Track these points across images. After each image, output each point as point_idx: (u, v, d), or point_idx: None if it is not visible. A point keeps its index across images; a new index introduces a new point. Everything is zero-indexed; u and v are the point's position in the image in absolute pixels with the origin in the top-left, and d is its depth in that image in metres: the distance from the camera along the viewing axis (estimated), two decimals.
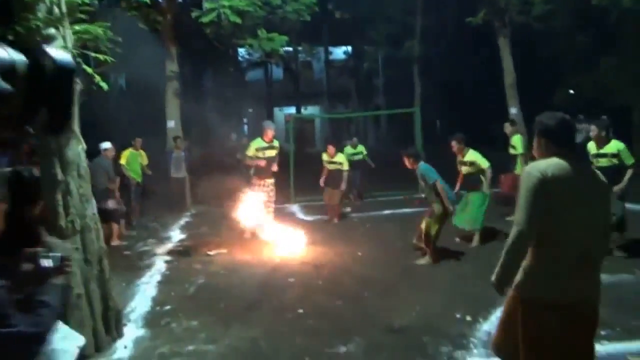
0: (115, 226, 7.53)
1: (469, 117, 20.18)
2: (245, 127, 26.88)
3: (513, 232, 2.24)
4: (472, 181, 6.80)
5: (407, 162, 6.01)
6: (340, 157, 8.86)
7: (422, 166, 5.92)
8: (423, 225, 5.91)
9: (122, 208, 7.90)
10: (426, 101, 17.64)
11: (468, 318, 4.24)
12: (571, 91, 18.74)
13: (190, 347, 3.92)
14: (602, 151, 5.90)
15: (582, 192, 2.25)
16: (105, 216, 7.83)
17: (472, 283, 5.09)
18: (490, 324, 4.10)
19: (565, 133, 2.36)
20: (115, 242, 7.33)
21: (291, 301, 4.87)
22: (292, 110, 26.25)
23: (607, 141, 5.90)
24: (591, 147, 6.04)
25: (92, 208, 4.03)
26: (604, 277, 4.84)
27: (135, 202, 9.18)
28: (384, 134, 26.03)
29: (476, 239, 6.74)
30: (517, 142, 8.63)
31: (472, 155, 6.72)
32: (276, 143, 7.54)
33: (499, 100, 13.45)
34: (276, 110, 27.27)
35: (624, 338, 3.74)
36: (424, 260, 5.93)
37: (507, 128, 9.31)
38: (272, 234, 7.20)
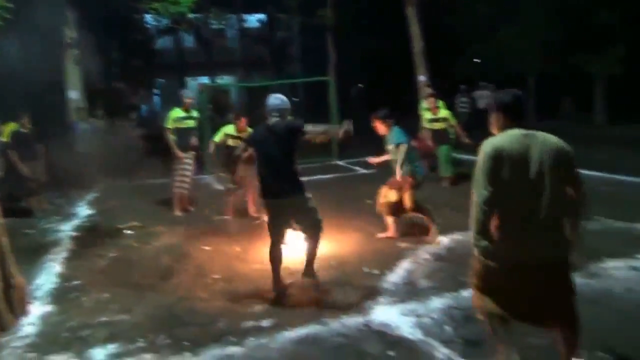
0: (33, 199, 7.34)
1: (383, 85, 20.80)
2: (157, 97, 25.76)
3: (476, 203, 2.42)
4: None
5: (382, 126, 5.40)
6: (195, 112, 7.73)
7: (395, 129, 5.39)
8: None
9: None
10: (341, 70, 17.87)
11: (375, 272, 4.51)
12: (476, 60, 19.82)
13: (103, 319, 3.85)
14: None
15: (531, 157, 2.43)
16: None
17: (379, 241, 5.39)
18: (396, 275, 4.42)
19: (518, 107, 2.61)
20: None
21: (206, 267, 4.90)
22: (205, 80, 25.47)
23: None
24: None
25: None
26: None
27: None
28: (301, 103, 26.17)
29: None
30: (442, 106, 8.88)
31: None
32: (195, 113, 7.32)
33: (410, 68, 13.97)
34: (189, 80, 26.35)
35: None
36: (388, 234, 5.55)
37: (427, 93, 9.52)
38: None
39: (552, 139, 2.53)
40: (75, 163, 9.89)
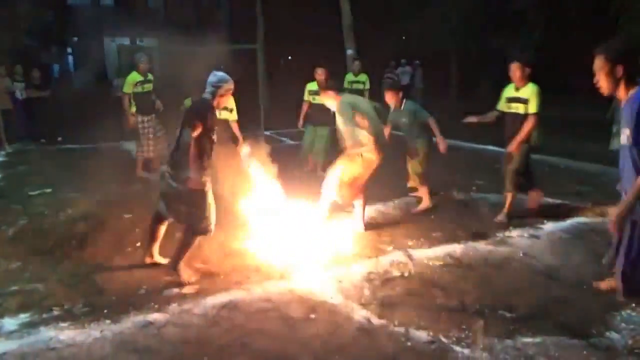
0: None
1: (309, 55, 20.68)
2: (70, 57, 24.01)
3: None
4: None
5: (393, 97, 5.43)
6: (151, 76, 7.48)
7: (410, 102, 5.56)
8: (412, 168, 5.53)
9: None
10: (270, 40, 17.58)
11: (301, 240, 4.61)
12: (403, 37, 20.29)
13: (14, 287, 3.66)
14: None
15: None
16: None
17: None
18: (319, 242, 4.55)
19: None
20: None
21: (127, 235, 4.75)
22: (125, 41, 24.00)
23: None
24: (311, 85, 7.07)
25: None
26: (415, 200, 5.50)
27: None
28: (229, 71, 25.45)
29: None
30: (365, 78, 9.09)
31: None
32: (151, 77, 7.05)
33: (338, 41, 14.07)
34: (107, 40, 24.71)
35: (425, 246, 4.47)
36: (424, 205, 5.58)
37: (355, 65, 9.68)
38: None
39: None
40: None
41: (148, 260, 4.09)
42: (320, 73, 7.04)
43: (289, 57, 25.12)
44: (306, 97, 7.38)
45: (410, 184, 5.65)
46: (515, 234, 4.71)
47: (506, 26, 16.23)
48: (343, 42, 14.00)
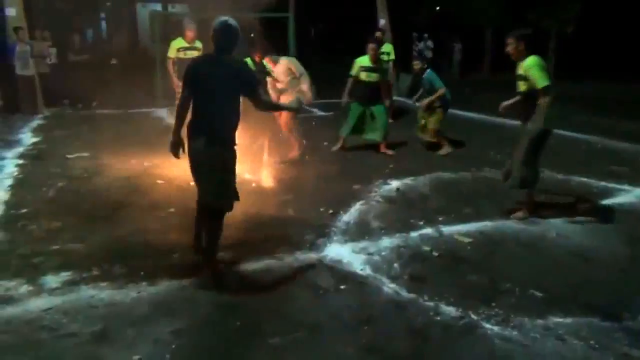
0: None
1: (341, 26, 20.37)
2: (104, 23, 24.17)
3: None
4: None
5: (419, 66, 6.82)
6: (199, 43, 7.39)
7: (430, 72, 6.78)
8: (430, 125, 6.84)
9: None
10: (301, 8, 17.34)
11: (330, 211, 4.65)
12: (437, 8, 19.74)
13: (55, 247, 3.81)
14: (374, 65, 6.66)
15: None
16: None
17: (333, 183, 5.52)
18: (349, 215, 4.58)
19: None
20: None
21: (161, 201, 4.87)
22: (157, 7, 24.01)
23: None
24: (363, 60, 6.69)
25: None
26: (448, 175, 5.56)
27: None
28: (260, 39, 25.28)
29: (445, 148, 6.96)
30: (389, 49, 9.25)
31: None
32: (199, 44, 7.13)
33: (372, 10, 13.78)
34: (139, 6, 24.74)
35: (456, 222, 4.44)
36: (444, 150, 6.85)
37: (378, 34, 9.68)
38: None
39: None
40: (16, 88, 9.32)
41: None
42: (373, 48, 6.60)
43: (320, 26, 24.76)
44: (355, 72, 6.73)
45: (420, 134, 7.07)
46: (547, 213, 4.63)
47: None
48: (375, 11, 13.70)
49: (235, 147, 3.35)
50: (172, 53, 7.07)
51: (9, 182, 5.42)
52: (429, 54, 16.62)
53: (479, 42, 19.50)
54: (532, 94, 4.19)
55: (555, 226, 4.36)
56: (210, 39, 3.29)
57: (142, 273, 3.42)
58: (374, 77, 6.67)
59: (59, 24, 13.09)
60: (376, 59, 6.65)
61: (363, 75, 6.67)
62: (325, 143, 7.36)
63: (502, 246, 3.99)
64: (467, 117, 9.95)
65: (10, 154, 6.59)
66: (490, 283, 3.39)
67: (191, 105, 3.33)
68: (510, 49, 4.29)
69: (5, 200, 4.85)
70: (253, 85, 3.33)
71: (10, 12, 10.31)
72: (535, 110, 4.16)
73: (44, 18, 13.10)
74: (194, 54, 6.95)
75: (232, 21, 3.25)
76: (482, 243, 4.03)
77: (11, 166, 6.01)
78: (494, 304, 3.10)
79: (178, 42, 7.09)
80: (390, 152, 6.88)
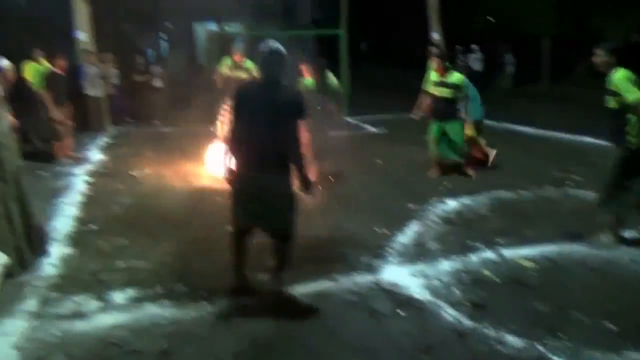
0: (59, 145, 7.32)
1: (393, 39, 20.32)
2: (163, 42, 25.26)
3: None
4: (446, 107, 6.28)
5: (440, 65, 6.21)
6: (249, 63, 7.64)
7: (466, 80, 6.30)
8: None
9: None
10: (352, 24, 17.45)
11: (385, 231, 4.61)
12: (490, 18, 19.34)
13: (121, 264, 3.97)
14: (444, 80, 6.20)
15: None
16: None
17: (388, 202, 5.47)
18: (405, 236, 4.52)
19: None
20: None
21: (221, 219, 4.96)
22: (212, 26, 24.86)
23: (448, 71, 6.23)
24: (433, 75, 6.32)
25: (7, 125, 3.79)
26: (507, 195, 5.39)
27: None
28: (312, 54, 25.63)
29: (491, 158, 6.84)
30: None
31: (457, 77, 6.21)
32: (248, 64, 7.42)
33: (422, 23, 13.68)
34: (196, 25, 25.73)
35: (518, 245, 4.28)
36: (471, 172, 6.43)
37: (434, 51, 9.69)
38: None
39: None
40: (85, 107, 9.87)
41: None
42: (436, 61, 6.29)
43: (372, 42, 24.82)
44: (428, 88, 6.45)
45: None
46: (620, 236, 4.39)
47: (606, 6, 14.92)
48: (427, 24, 13.58)
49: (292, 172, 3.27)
50: (222, 69, 7.55)
51: (79, 198, 5.72)
52: (477, 66, 16.31)
53: (535, 52, 18.90)
54: (622, 111, 3.94)
55: (629, 250, 4.12)
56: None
57: (203, 292, 3.51)
58: (445, 92, 6.23)
59: (124, 46, 13.78)
60: (443, 72, 6.22)
61: (434, 90, 6.34)
62: (378, 160, 7.32)
63: (569, 272, 3.81)
64: (526, 131, 9.63)
65: (80, 170, 6.96)
66: (557, 312, 3.24)
67: (241, 132, 3.22)
68: (598, 59, 4.09)
69: (77, 216, 5.12)
70: (301, 116, 3.20)
71: (81, 36, 10.99)
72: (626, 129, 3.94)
73: (110, 41, 13.83)
74: (241, 73, 7.26)
75: (280, 47, 3.18)
76: (547, 268, 3.86)
77: (81, 183, 6.34)
78: (561, 335, 2.96)
79: (226, 61, 7.53)
80: (471, 171, 6.43)
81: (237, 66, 7.40)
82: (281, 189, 3.27)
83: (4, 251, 3.63)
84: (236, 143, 3.25)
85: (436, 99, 6.33)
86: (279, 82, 3.23)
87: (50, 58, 7.59)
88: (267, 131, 3.15)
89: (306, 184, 3.29)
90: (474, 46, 16.81)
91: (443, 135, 6.36)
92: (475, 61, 16.55)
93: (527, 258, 4.01)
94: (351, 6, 17.96)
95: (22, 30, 10.43)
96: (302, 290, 3.55)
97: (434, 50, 8.30)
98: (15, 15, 11.37)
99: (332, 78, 6.46)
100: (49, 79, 7.31)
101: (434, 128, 6.40)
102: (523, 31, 17.07)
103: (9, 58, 7.89)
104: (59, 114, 7.25)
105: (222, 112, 7.21)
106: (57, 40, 10.91)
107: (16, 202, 3.84)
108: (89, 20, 11.10)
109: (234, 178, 3.30)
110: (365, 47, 24.02)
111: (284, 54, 3.20)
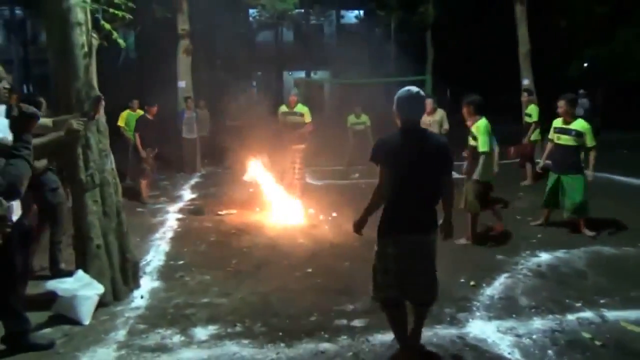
0: (143, 183, 7.80)
1: (480, 86, 19.93)
2: (254, 90, 26.74)
3: None
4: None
5: (467, 113, 5.49)
6: (301, 108, 7.99)
7: (484, 121, 5.44)
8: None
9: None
10: (438, 69, 17.45)
11: (472, 283, 4.37)
12: (585, 64, 18.46)
13: (205, 300, 4.09)
14: (566, 126, 5.69)
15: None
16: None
17: (475, 251, 5.22)
18: (493, 289, 4.25)
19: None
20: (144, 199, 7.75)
21: (300, 261, 5.01)
22: (301, 74, 25.97)
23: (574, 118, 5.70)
24: (557, 121, 5.85)
25: (111, 163, 4.13)
26: (608, 250, 4.93)
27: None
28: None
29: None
30: (532, 111, 8.93)
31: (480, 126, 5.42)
32: (302, 109, 7.94)
33: (512, 70, 13.32)
34: (285, 74, 27.01)
35: (622, 307, 3.87)
36: (463, 240, 5.48)
37: (524, 97, 9.66)
38: (284, 197, 7.32)
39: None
40: (181, 149, 10.57)
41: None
42: (561, 106, 5.73)
43: (457, 87, 24.55)
44: (551, 135, 5.95)
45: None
46: None
47: None
48: (517, 71, 13.20)
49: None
50: (279, 114, 7.98)
51: (171, 234, 6.05)
52: (581, 112, 15.53)
53: (633, 98, 17.68)
54: None
55: None
56: (395, 112, 3.00)
57: (280, 333, 3.50)
58: (564, 139, 5.70)
59: (218, 93, 14.75)
60: (568, 117, 5.69)
61: (555, 138, 5.85)
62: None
63: None
64: (627, 182, 8.88)
65: (172, 208, 7.39)
66: None
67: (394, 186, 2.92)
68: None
69: (167, 251, 5.40)
70: (450, 166, 3.03)
71: (182, 84, 11.94)
72: None
73: (206, 88, 14.87)
74: (295, 118, 7.65)
75: (417, 89, 2.96)
76: None
77: (172, 220, 6.72)
78: None
79: (281, 107, 8.03)
80: (590, 233, 5.68)
81: (289, 112, 7.91)
82: (432, 249, 3.07)
83: (100, 281, 3.88)
84: (381, 198, 2.98)
85: (557, 147, 5.85)
86: (424, 129, 3.06)
87: (145, 107, 8.32)
88: (423, 182, 2.90)
89: (450, 231, 3.16)
90: (581, 92, 16.09)
91: (561, 188, 5.81)
92: (580, 108, 15.77)
93: (633, 322, 3.60)
94: (437, 52, 18.07)
95: (134, 81, 11.54)
96: (381, 339, 3.43)
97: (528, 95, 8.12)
98: (127, 68, 12.58)
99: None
100: (140, 123, 8.02)
101: (551, 179, 5.92)
102: (622, 78, 16.06)
103: (119, 107, 8.76)
104: (146, 155, 7.84)
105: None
106: (162, 89, 11.98)
107: (115, 235, 4.12)
108: (189, 70, 12.04)
109: (383, 239, 3.01)
110: (450, 93, 23.78)
111: (423, 96, 2.99)
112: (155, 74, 12.85)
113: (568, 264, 4.83)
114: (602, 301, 3.96)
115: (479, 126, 5.40)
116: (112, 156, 4.18)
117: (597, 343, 3.33)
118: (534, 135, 8.76)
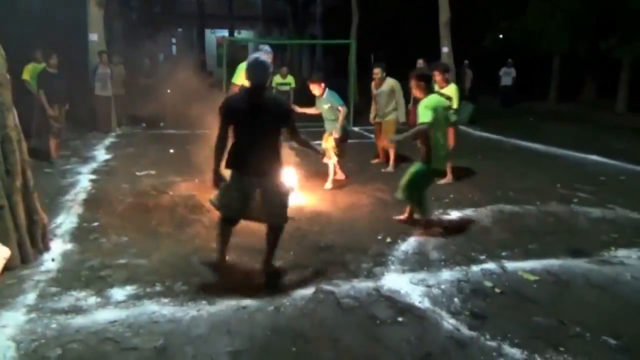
0: (52, 142, 7.26)
1: (403, 52, 20.34)
2: (174, 47, 25.50)
3: None
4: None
5: (317, 88, 6.19)
6: (290, 79, 9.52)
7: (330, 91, 6.28)
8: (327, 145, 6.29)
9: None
10: (363, 34, 17.54)
11: (388, 240, 4.59)
12: (500, 36, 19.36)
13: (122, 261, 3.97)
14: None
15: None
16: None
17: (393, 210, 5.46)
18: (407, 245, 4.50)
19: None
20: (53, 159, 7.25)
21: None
22: (224, 33, 25.08)
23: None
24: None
25: (14, 118, 3.82)
26: (511, 208, 5.33)
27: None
28: (319, 64, 25.81)
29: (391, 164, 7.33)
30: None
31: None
32: (289, 79, 8.23)
33: (433, 37, 13.72)
34: (208, 32, 25.99)
35: (521, 258, 4.25)
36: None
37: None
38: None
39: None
40: (94, 107, 9.95)
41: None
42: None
43: (380, 52, 24.89)
44: None
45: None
46: (621, 254, 4.35)
47: (619, 27, 14.90)
48: (437, 38, 13.63)
49: (281, 173, 3.74)
50: (236, 79, 7.35)
51: (84, 196, 5.75)
52: (508, 81, 16.88)
53: (544, 70, 18.95)
54: None
55: (630, 268, 4.08)
56: (246, 75, 3.52)
57: (202, 292, 3.50)
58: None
59: (133, 49, 13.91)
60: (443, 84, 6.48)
61: None
62: (383, 170, 7.32)
63: (571, 286, 3.77)
64: (532, 148, 9.60)
65: (85, 169, 7.00)
66: (558, 325, 3.20)
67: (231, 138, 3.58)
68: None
69: (79, 213, 5.14)
70: (290, 119, 3.64)
71: (93, 37, 11.11)
72: None
73: (121, 44, 13.98)
74: (286, 87, 7.90)
75: (263, 58, 3.51)
76: (549, 282, 3.82)
77: (86, 181, 6.38)
78: (562, 349, 2.92)
79: (275, 79, 8.79)
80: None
81: (283, 82, 8.63)
82: (270, 188, 3.62)
83: (6, 244, 3.64)
84: (224, 148, 3.59)
85: None
86: (264, 89, 3.60)
87: (47, 58, 7.62)
88: (258, 135, 3.51)
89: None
90: (509, 61, 17.19)
91: None
92: (507, 76, 17.09)
93: (529, 271, 3.98)
94: (362, 17, 18.13)
95: (37, 33, 10.57)
96: (302, 293, 3.53)
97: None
98: (31, 17, 11.49)
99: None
100: (42, 78, 7.37)
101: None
102: (534, 50, 17.06)
103: (23, 60, 8.02)
104: (52, 112, 7.30)
105: None
106: (71, 42, 11.08)
107: (21, 195, 3.85)
108: (102, 23, 11.21)
109: (231, 172, 3.63)
110: (375, 58, 24.13)
111: (267, 64, 3.51)
112: (64, 24, 11.83)
113: (475, 221, 5.20)
114: (503, 254, 4.33)
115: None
116: (15, 111, 3.86)
117: (497, 290, 3.65)
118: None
